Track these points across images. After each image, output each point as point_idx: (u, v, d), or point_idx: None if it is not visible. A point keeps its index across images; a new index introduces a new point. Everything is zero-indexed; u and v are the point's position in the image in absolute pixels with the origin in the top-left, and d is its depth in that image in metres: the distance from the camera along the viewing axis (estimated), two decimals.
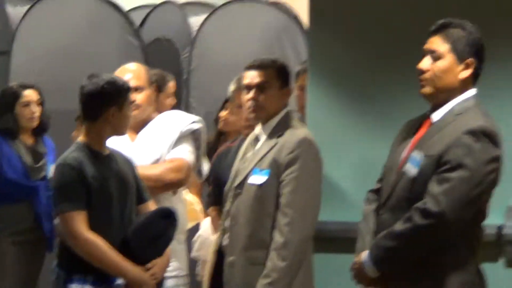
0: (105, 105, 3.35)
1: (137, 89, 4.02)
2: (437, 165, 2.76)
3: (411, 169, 2.84)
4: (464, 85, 2.88)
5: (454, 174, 2.71)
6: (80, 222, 3.21)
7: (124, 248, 3.36)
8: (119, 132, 3.43)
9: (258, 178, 3.44)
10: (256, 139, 3.64)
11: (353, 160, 4.17)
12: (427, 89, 2.89)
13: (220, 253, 3.68)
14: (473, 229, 2.85)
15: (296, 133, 3.49)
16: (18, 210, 4.89)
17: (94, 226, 3.30)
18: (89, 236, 3.22)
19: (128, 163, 3.63)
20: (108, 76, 3.41)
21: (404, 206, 2.81)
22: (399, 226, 2.78)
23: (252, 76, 3.57)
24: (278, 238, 3.37)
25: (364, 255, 2.89)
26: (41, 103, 4.96)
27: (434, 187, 2.73)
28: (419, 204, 2.72)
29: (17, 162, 4.82)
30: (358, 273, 2.95)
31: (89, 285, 3.29)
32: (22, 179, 4.84)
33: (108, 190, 3.33)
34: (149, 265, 3.43)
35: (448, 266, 2.81)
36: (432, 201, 2.71)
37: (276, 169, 3.43)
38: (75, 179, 3.24)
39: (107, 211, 3.36)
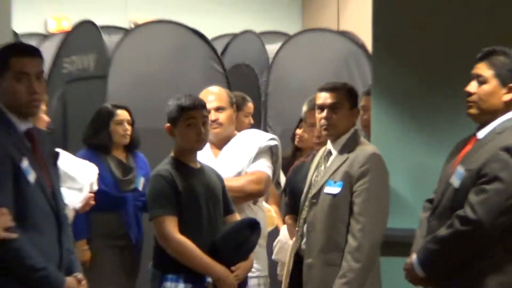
0: (171, 122, 3.63)
1: (219, 109, 4.22)
2: (477, 178, 2.92)
3: (455, 181, 3.02)
4: (507, 107, 3.04)
5: (490, 186, 2.86)
6: (171, 226, 3.44)
7: (212, 252, 3.58)
8: (185, 146, 3.59)
9: (332, 189, 3.64)
10: (328, 154, 3.80)
11: (412, 172, 4.45)
12: (473, 110, 3.06)
13: (297, 256, 3.91)
14: (511, 235, 2.98)
15: (365, 149, 3.69)
16: (109, 219, 5.07)
17: (184, 231, 3.52)
18: (179, 238, 3.43)
19: (218, 177, 3.82)
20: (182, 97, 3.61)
21: (448, 214, 3.00)
22: (442, 231, 2.98)
23: (325, 97, 3.73)
24: (352, 242, 3.57)
25: (414, 257, 3.10)
26: (132, 122, 5.12)
27: (473, 197, 2.90)
28: (460, 212, 2.91)
29: (107, 175, 4.98)
30: (409, 273, 3.17)
31: (182, 283, 3.51)
32: (112, 190, 5.01)
33: (198, 200, 3.54)
34: (234, 268, 3.62)
35: (487, 269, 2.97)
36: (470, 209, 2.88)
37: (349, 181, 3.63)
38: (166, 188, 3.48)
39: (196, 219, 3.56)
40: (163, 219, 3.50)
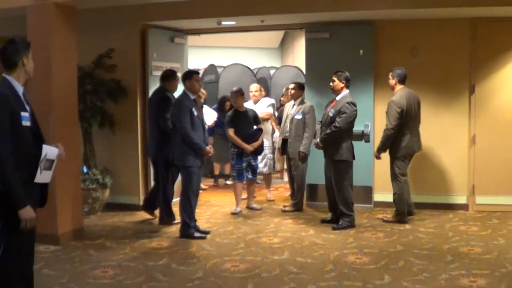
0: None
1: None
2: (338, 112, 8.70)
3: (330, 113, 8.78)
4: (342, 89, 8.49)
5: (343, 114, 8.28)
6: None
7: (250, 137, 9.63)
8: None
9: (297, 116, 9.77)
10: (293, 106, 9.95)
11: (320, 113, 9.76)
12: (334, 91, 8.58)
13: (284, 140, 10.36)
14: (349, 132, 8.38)
15: (307, 104, 9.84)
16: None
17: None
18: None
19: (254, 112, 9.86)
20: None
21: (328, 125, 8.80)
22: (327, 131, 8.39)
23: (293, 86, 9.97)
24: (305, 133, 9.66)
25: (318, 140, 8.61)
26: None
27: (337, 119, 8.38)
28: (334, 124, 8.30)
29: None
30: (317, 145, 8.60)
31: None
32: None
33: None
34: (254, 144, 9.63)
35: (342, 142, 8.31)
36: (337, 123, 8.24)
37: (302, 113, 9.80)
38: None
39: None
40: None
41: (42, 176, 4.51)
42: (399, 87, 8.74)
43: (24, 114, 4.45)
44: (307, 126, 9.44)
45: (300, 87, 9.85)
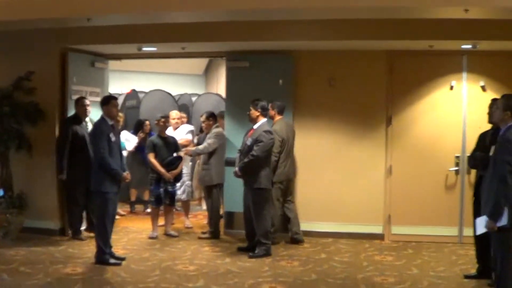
0: None
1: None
2: (255, 141, 9.01)
3: (248, 142, 8.90)
4: (258, 118, 8.60)
5: (260, 143, 8.29)
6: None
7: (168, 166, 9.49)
8: None
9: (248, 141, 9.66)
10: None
11: (240, 141, 9.86)
12: (252, 121, 8.65)
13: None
14: (267, 159, 8.52)
15: (218, 130, 9.94)
16: None
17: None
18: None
19: (173, 139, 9.91)
20: None
21: (246, 153, 8.85)
22: (245, 159, 8.56)
23: (205, 116, 9.95)
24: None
25: (237, 168, 8.72)
26: None
27: (255, 147, 8.42)
28: (252, 152, 8.41)
29: None
30: (236, 174, 8.60)
31: None
32: None
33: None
34: (173, 171, 9.58)
35: (261, 170, 8.39)
36: (254, 151, 8.31)
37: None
38: None
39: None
40: None
41: None
42: (278, 117, 9.19)
43: None
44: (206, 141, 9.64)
45: (210, 116, 9.94)
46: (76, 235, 9.56)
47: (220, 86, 17.45)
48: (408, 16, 7.85)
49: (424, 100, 9.70)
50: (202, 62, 19.38)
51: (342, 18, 8.27)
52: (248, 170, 8.38)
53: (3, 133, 9.23)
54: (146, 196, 11.98)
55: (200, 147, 9.63)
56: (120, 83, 15.71)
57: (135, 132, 11.87)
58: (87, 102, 9.36)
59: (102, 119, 8.08)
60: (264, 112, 8.55)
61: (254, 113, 8.52)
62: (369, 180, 9.78)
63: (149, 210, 11.45)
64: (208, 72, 20.03)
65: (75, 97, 9.71)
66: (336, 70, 9.79)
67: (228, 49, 10.02)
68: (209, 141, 9.56)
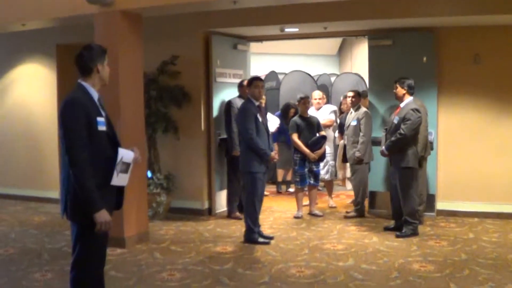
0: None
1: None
2: (403, 119, 9.13)
3: (395, 121, 8.99)
4: (404, 96, 8.43)
5: (408, 121, 8.13)
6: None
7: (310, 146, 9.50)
8: None
9: (353, 123, 9.69)
10: (351, 112, 9.79)
11: (383, 124, 9.93)
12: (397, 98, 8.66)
13: (344, 146, 10.37)
14: (415, 139, 8.24)
15: (363, 108, 9.78)
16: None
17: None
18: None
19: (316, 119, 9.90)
20: None
21: (393, 132, 8.42)
22: (392, 138, 8.30)
23: (352, 94, 9.89)
24: (360, 138, 9.59)
25: (383, 147, 8.44)
26: None
27: (402, 125, 8.21)
28: (399, 131, 8.18)
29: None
30: (382, 153, 8.56)
31: None
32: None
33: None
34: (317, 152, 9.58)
35: (408, 148, 8.21)
36: (402, 130, 8.13)
37: (357, 120, 9.64)
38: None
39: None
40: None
41: (119, 179, 4.57)
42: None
43: (100, 119, 4.50)
44: (362, 131, 9.47)
45: (358, 94, 9.88)
46: (233, 213, 9.85)
47: (354, 66, 17.43)
48: None
49: None
50: (336, 42, 19.33)
51: None
52: (396, 149, 8.27)
53: (150, 116, 9.51)
54: (289, 176, 12.16)
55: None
56: (258, 64, 15.90)
57: (282, 116, 11.86)
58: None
59: (248, 100, 8.24)
60: (411, 91, 8.39)
61: (401, 91, 8.38)
62: None
63: (291, 189, 11.61)
64: (341, 52, 19.92)
65: (220, 79, 9.95)
66: (481, 47, 9.50)
67: (370, 28, 9.95)
68: (365, 128, 9.57)
